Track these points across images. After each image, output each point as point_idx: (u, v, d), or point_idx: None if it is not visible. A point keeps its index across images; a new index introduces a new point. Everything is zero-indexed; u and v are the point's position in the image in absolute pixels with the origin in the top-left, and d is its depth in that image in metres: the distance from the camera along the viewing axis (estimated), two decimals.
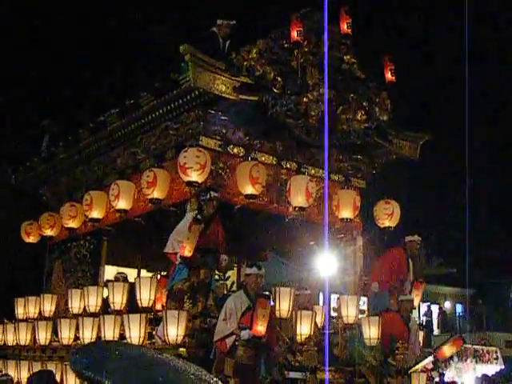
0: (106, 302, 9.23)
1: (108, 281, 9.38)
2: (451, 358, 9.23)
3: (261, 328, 7.00)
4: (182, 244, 7.63)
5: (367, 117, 9.28)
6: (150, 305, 8.11)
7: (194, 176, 8.04)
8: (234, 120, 8.64)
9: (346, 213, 9.56)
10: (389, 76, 9.36)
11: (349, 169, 10.11)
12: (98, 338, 8.36)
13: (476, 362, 22.24)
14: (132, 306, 8.69)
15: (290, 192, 8.99)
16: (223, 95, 8.14)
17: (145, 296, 8.08)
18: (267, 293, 7.77)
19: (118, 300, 8.57)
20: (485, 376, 18.76)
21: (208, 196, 7.94)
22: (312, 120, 8.76)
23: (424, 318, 25.33)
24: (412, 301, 9.25)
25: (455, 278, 28.41)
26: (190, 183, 8.11)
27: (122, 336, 8.29)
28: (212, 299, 7.93)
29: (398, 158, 10.33)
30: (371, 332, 8.31)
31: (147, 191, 8.67)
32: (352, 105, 9.16)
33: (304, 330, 7.84)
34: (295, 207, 9.05)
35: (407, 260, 9.73)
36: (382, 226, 9.97)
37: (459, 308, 32.81)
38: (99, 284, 9.93)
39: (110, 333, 8.29)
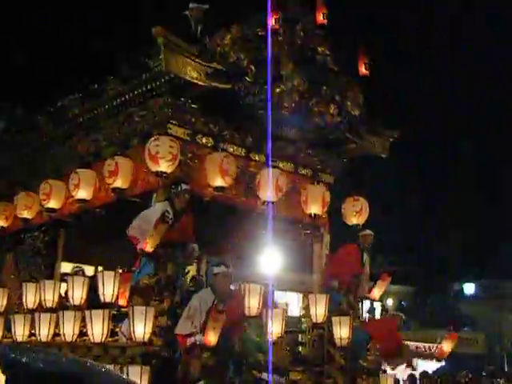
0: (63, 297, 8.81)
1: (66, 274, 8.91)
2: None
3: (211, 338, 6.72)
4: (144, 236, 7.25)
5: (339, 111, 9.04)
6: (113, 300, 7.69)
7: (164, 166, 7.66)
8: (204, 109, 8.29)
9: (315, 208, 9.31)
10: (363, 70, 9.14)
11: (317, 164, 9.86)
12: (56, 334, 7.90)
13: (418, 358, 22.50)
14: (92, 302, 8.27)
15: (259, 185, 8.69)
16: (195, 81, 7.77)
17: (108, 291, 7.63)
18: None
19: (78, 295, 8.11)
20: (425, 373, 19.00)
21: (179, 188, 7.57)
22: (285, 111, 8.46)
23: (367, 315, 25.45)
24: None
25: (398, 276, 28.65)
26: (158, 173, 7.72)
27: (82, 333, 7.89)
28: (179, 295, 7.57)
29: (367, 154, 10.14)
30: (342, 332, 8.07)
31: (109, 180, 8.25)
32: (325, 98, 8.90)
33: (276, 328, 7.54)
34: (264, 201, 8.78)
35: (362, 254, 9.56)
36: (349, 223, 9.77)
37: (402, 305, 33.20)
38: (55, 278, 9.44)
39: (69, 329, 7.83)
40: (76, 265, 9.80)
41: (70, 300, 8.09)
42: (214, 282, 7.35)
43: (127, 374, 6.53)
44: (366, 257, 9.62)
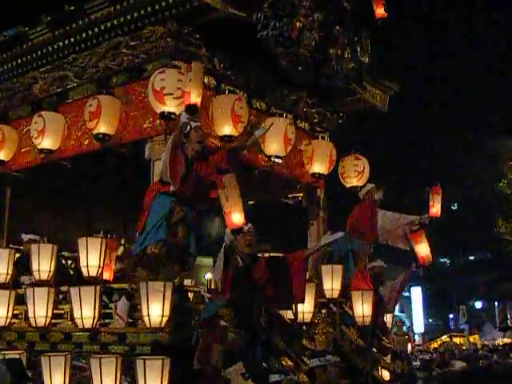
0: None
1: (31, 241, 7.23)
2: None
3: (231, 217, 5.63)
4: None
5: (353, 56, 7.82)
6: (99, 274, 6.17)
7: (172, 105, 6.16)
8: (210, 41, 6.82)
9: (321, 167, 8.18)
10: (380, 11, 7.94)
11: (315, 116, 8.63)
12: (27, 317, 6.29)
13: None
14: (63, 276, 6.72)
15: (264, 137, 7.35)
16: (209, 5, 6.30)
17: (93, 262, 6.10)
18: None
19: (46, 267, 6.54)
20: None
21: (188, 128, 6.06)
22: (304, 50, 7.14)
23: None
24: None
25: None
26: (165, 115, 6.20)
27: (57, 315, 6.36)
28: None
29: (366, 108, 9.01)
30: (364, 309, 6.94)
31: (90, 124, 6.65)
32: (340, 39, 7.65)
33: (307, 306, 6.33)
34: (270, 156, 7.46)
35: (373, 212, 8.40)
36: (348, 184, 8.65)
37: None
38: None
39: (41, 310, 6.25)
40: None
41: (35, 274, 6.51)
42: (235, 245, 6.04)
43: (135, 369, 5.09)
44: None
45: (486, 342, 20.33)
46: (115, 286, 6.28)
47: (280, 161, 7.55)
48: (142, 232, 5.90)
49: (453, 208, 33.03)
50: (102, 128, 6.56)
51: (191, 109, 5.87)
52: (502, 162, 23.44)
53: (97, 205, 9.32)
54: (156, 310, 5.33)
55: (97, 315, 5.83)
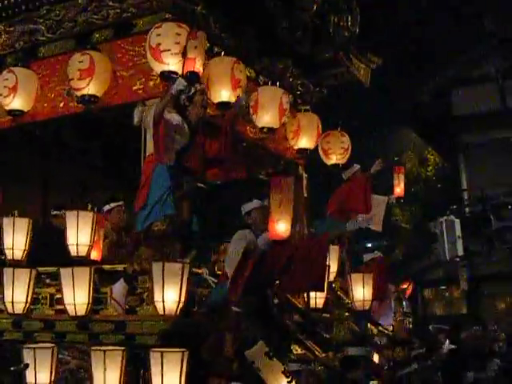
0: None
1: None
2: None
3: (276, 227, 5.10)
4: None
5: (350, 24, 7.37)
6: (88, 253, 5.46)
7: (172, 63, 5.47)
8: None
9: (307, 142, 7.63)
10: None
11: (298, 88, 8.11)
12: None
13: None
14: (45, 255, 5.95)
15: (256, 107, 6.78)
16: None
17: (83, 240, 5.40)
18: None
19: (21, 246, 5.76)
20: None
21: (193, 90, 5.44)
22: (304, 16, 6.62)
23: None
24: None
25: None
26: (164, 75, 5.51)
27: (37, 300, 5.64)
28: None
29: (350, 82, 8.56)
30: (365, 292, 6.55)
31: (78, 84, 5.83)
32: (339, 6, 7.17)
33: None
34: (262, 128, 6.89)
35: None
36: (329, 162, 8.20)
37: None
38: None
39: (20, 295, 5.48)
40: None
41: (8, 252, 5.73)
42: (251, 222, 5.55)
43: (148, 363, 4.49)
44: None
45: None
46: (106, 267, 5.58)
47: (270, 135, 7.00)
48: (143, 207, 5.23)
49: None
50: (93, 89, 5.78)
51: (192, 76, 5.41)
52: None
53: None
54: (172, 295, 4.71)
55: (90, 301, 5.17)
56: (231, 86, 6.07)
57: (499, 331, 10.79)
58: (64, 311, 5.33)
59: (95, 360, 4.65)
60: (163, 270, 4.68)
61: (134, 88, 5.96)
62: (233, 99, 6.15)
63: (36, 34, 6.61)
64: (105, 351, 4.58)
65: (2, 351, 5.66)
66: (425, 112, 18.41)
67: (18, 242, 5.74)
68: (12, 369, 4.98)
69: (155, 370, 4.45)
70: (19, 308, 5.46)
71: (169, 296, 4.68)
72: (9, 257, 5.74)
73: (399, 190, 8.54)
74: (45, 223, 7.49)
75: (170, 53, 5.46)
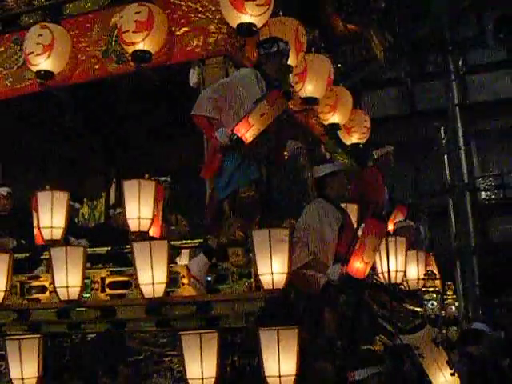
0: None
1: None
2: None
3: (360, 265, 4.46)
4: (241, 117, 4.49)
5: None
6: (148, 228, 4.82)
7: (255, 13, 4.88)
8: None
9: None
10: None
11: None
12: None
13: None
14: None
15: (304, 76, 6.25)
16: None
17: (145, 213, 4.74)
18: None
19: (60, 223, 5.06)
20: None
21: (275, 49, 4.86)
22: None
23: None
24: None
25: None
26: (242, 26, 4.92)
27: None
28: None
29: (365, 59, 8.18)
30: (398, 261, 5.62)
31: (133, 38, 5.14)
32: None
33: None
34: (306, 98, 6.34)
35: (383, 178, 7.47)
36: (349, 141, 7.75)
37: None
38: None
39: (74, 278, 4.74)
40: None
41: (44, 232, 5.06)
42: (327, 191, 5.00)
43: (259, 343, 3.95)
44: None
45: None
46: (178, 243, 4.95)
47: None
48: (220, 174, 4.63)
49: None
50: (148, 44, 5.13)
51: None
52: None
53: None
54: (279, 267, 4.14)
55: (166, 280, 4.50)
56: (295, 50, 5.58)
57: None
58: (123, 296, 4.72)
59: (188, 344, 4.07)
60: (270, 237, 4.11)
61: (190, 47, 5.35)
62: (295, 62, 5.66)
63: None
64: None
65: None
66: None
67: (56, 219, 5.03)
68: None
69: (270, 351, 3.90)
70: (73, 293, 4.72)
71: (276, 267, 4.12)
72: (47, 237, 5.01)
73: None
74: None
75: (256, 3, 4.87)
